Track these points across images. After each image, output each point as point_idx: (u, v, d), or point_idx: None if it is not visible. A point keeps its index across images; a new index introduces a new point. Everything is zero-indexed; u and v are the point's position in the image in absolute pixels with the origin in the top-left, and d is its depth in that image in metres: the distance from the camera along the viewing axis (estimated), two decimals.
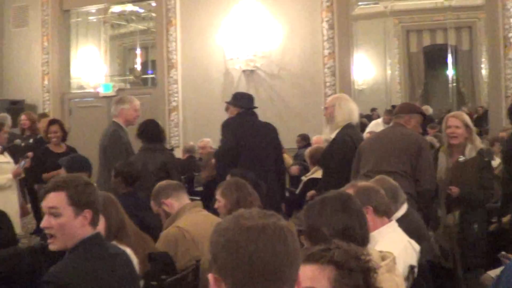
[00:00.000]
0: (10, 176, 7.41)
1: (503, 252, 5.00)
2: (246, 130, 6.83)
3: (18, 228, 6.95)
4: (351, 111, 6.53)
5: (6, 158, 7.68)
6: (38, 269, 4.13)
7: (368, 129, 12.37)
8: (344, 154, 6.26)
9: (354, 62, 12.65)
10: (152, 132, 7.03)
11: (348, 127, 6.43)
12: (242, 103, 7.00)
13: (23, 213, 7.69)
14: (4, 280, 4.08)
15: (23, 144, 9.96)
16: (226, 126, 6.88)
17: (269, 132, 6.94)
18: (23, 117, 11.17)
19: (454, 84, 18.20)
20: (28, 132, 10.57)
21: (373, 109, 16.26)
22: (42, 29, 14.46)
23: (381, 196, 3.86)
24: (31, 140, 9.92)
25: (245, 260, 1.71)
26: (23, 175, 7.84)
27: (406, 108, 6.32)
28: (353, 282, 2.32)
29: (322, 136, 8.92)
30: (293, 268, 1.76)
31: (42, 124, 10.48)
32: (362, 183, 3.99)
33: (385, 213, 3.87)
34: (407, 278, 3.55)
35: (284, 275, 1.73)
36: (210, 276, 1.80)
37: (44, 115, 11.73)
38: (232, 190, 5.06)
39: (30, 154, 8.54)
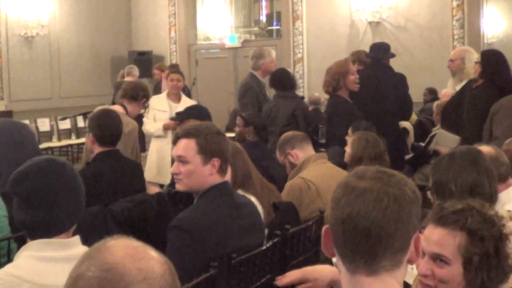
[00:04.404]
0: (160, 125, 7.34)
1: None
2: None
3: (169, 178, 7.02)
4: None
5: (166, 107, 7.50)
6: (165, 215, 4.25)
7: None
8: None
9: (484, 14, 12.19)
10: (281, 80, 7.19)
11: (474, 81, 6.28)
12: (372, 54, 7.16)
13: None
14: (133, 225, 4.22)
15: None
16: None
17: (390, 83, 6.96)
18: (155, 71, 11.39)
19: None
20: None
21: None
22: None
23: (501, 163, 3.70)
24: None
25: (340, 221, 1.69)
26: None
27: None
28: (483, 250, 2.25)
29: (450, 90, 8.72)
30: (396, 237, 1.68)
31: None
32: (483, 148, 3.83)
33: (508, 177, 3.73)
34: None
35: (381, 243, 1.67)
36: (324, 227, 1.80)
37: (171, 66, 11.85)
38: (354, 143, 5.06)
39: None
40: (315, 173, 4.74)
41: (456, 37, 11.56)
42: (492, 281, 2.26)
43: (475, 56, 6.47)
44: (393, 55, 7.48)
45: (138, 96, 6.32)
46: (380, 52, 7.09)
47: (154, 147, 7.51)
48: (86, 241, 2.31)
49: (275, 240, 3.75)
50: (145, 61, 13.94)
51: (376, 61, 7.00)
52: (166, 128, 7.24)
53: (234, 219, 3.34)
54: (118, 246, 1.42)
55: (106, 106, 6.16)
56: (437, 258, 2.31)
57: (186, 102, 7.51)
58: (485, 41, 13.26)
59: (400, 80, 7.02)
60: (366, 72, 6.95)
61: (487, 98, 5.89)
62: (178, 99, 7.59)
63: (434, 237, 2.34)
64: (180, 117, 6.10)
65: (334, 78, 6.48)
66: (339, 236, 1.71)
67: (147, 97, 6.47)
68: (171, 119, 6.80)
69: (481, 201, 2.46)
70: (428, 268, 2.33)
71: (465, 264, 2.27)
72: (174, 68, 7.96)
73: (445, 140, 6.43)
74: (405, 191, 1.72)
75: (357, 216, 1.67)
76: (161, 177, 7.14)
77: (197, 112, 6.05)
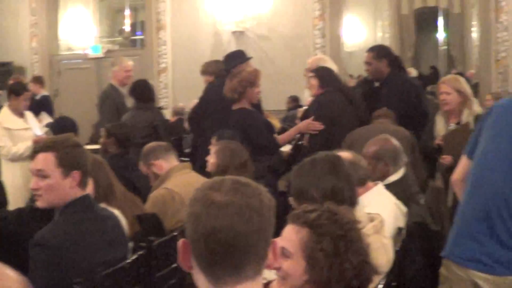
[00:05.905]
0: (29, 144, 6.73)
1: None
2: (210, 92, 7.10)
3: None
4: None
5: (25, 124, 7.07)
6: (26, 232, 4.12)
7: None
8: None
9: (344, 24, 12.58)
10: (141, 91, 7.19)
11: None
12: (224, 66, 7.12)
13: None
14: None
15: None
16: None
17: None
18: (11, 81, 11.04)
19: (445, 47, 18.15)
20: None
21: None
22: None
23: (360, 167, 3.84)
24: None
25: (203, 236, 1.68)
26: None
27: None
28: (321, 247, 2.34)
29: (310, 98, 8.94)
30: (259, 246, 1.71)
31: (33, 88, 10.37)
32: (342, 154, 3.93)
33: (366, 180, 3.87)
34: (394, 240, 3.58)
35: (247, 254, 1.69)
36: (181, 241, 1.78)
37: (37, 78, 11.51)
38: (219, 153, 5.04)
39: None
40: (179, 183, 4.72)
41: (318, 46, 11.84)
42: (333, 281, 2.33)
43: (332, 66, 6.67)
44: (248, 58, 7.44)
45: None
46: (230, 63, 7.08)
47: (15, 171, 6.90)
48: None
49: (140, 252, 3.72)
50: (4, 72, 13.44)
51: (226, 71, 6.97)
52: (37, 142, 6.32)
53: (97, 233, 3.29)
54: None
55: None
56: (282, 252, 2.39)
57: (29, 115, 7.26)
58: (346, 49, 13.69)
59: None
60: (216, 84, 7.02)
61: (331, 104, 6.18)
62: (22, 113, 7.16)
63: (284, 233, 2.44)
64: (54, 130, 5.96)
65: (243, 85, 6.12)
66: (202, 250, 1.70)
67: None
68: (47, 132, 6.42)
69: (344, 206, 2.55)
70: (277, 262, 2.40)
71: (307, 259, 2.36)
72: (26, 86, 7.64)
73: None
74: (263, 201, 1.74)
75: (221, 230, 1.67)
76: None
77: (70, 124, 5.98)
